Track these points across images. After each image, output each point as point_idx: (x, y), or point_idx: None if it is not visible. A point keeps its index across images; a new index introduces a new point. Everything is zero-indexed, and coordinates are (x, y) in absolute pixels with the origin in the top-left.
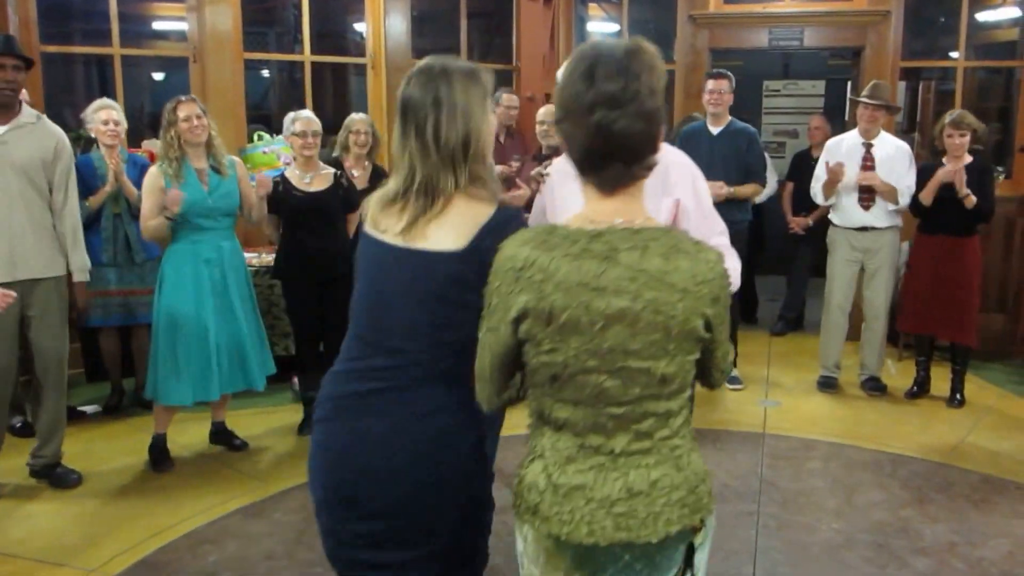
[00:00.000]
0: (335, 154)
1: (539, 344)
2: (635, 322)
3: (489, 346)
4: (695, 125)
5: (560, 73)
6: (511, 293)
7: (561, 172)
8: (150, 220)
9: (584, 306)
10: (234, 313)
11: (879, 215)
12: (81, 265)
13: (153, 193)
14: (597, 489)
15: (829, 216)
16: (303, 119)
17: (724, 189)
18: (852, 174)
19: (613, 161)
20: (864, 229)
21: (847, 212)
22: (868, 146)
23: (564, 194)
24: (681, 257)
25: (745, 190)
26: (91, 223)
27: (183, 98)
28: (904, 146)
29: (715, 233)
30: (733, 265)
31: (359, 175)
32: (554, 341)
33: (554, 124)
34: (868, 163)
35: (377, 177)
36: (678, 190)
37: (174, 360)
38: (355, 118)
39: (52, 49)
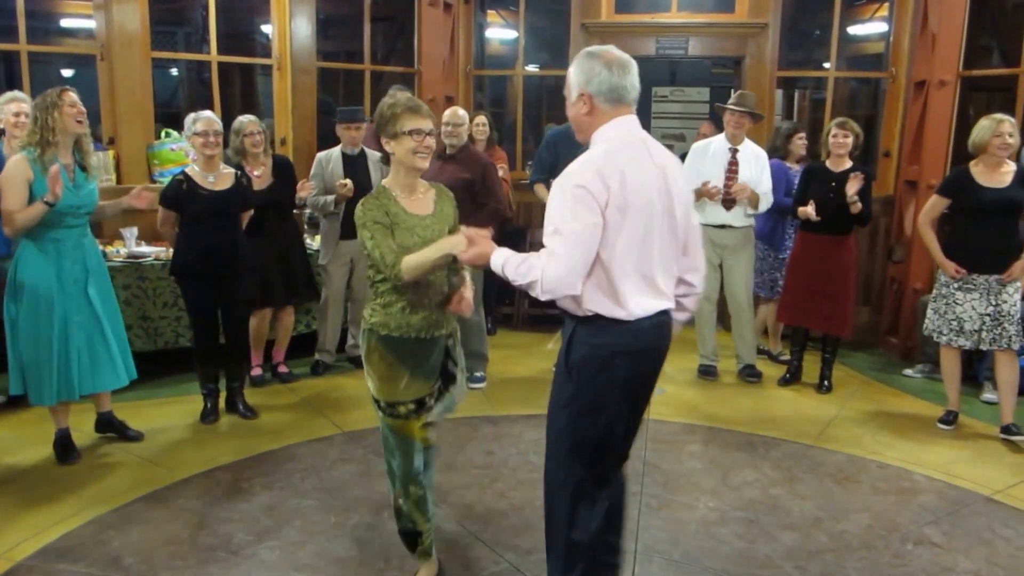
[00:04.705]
0: (234, 160)
1: None
2: None
3: None
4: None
5: None
6: None
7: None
8: (21, 212)
9: None
10: (95, 312)
11: (737, 215)
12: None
13: (22, 183)
14: None
15: None
16: (204, 119)
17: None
18: (718, 175)
19: None
20: (723, 227)
21: (708, 210)
22: (734, 151)
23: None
24: None
25: None
26: None
27: (69, 87)
28: (763, 153)
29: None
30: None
31: (261, 173)
32: None
33: None
34: (733, 167)
35: (280, 166)
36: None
37: (37, 361)
38: (243, 121)
39: None
